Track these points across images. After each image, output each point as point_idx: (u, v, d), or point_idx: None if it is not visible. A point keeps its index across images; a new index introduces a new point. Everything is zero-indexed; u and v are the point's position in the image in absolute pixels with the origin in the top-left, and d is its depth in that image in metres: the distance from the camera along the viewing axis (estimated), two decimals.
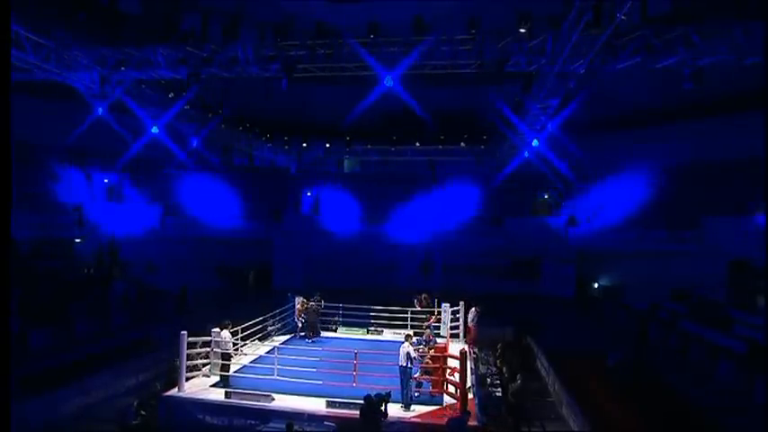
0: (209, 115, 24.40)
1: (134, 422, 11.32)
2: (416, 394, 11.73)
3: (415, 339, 12.61)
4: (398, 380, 11.30)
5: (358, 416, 9.84)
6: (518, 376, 13.73)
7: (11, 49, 14.15)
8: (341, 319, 18.45)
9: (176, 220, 29.40)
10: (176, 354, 11.95)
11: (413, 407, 11.05)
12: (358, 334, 17.95)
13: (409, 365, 11.19)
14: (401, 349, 11.36)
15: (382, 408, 9.84)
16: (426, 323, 15.68)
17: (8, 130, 5.45)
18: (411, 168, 32.35)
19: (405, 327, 17.72)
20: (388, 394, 10.27)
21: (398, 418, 10.52)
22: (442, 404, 11.55)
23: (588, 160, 25.41)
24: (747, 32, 12.54)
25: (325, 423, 10.55)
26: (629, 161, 27.54)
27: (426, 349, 12.95)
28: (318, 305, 17.35)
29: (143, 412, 11.43)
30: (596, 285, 28.76)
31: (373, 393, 10.22)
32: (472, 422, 10.09)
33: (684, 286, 22.69)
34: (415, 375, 11.75)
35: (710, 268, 21.93)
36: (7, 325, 5.49)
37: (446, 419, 10.21)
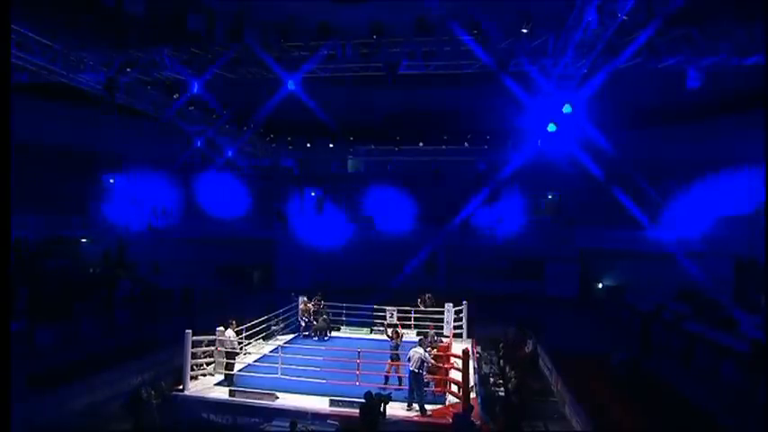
0: (214, 116, 24.52)
1: (155, 401, 11.46)
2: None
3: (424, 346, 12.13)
4: (401, 379, 11.32)
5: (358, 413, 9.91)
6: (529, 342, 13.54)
7: (18, 51, 14.34)
8: (345, 319, 18.53)
9: (180, 220, 29.54)
10: (181, 353, 12.04)
11: (415, 405, 11.08)
12: (361, 333, 18.02)
13: (422, 371, 11.09)
14: (414, 354, 11.11)
15: (381, 408, 9.89)
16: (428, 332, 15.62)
17: (8, 130, 5.52)
18: (415, 168, 32.37)
19: (408, 326, 17.81)
20: (389, 396, 10.32)
21: (401, 417, 10.58)
22: (444, 403, 11.59)
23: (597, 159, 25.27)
24: (749, 32, 12.53)
25: (329, 422, 10.63)
26: (631, 160, 27.45)
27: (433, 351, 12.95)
28: (318, 305, 17.45)
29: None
30: (600, 285, 28.71)
31: (375, 393, 10.29)
32: (475, 419, 10.13)
33: (689, 286, 22.64)
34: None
35: (716, 269, 21.85)
36: (7, 325, 5.56)
37: (450, 417, 10.27)
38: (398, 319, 17.79)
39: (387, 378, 12.19)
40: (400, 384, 11.99)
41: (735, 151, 22.85)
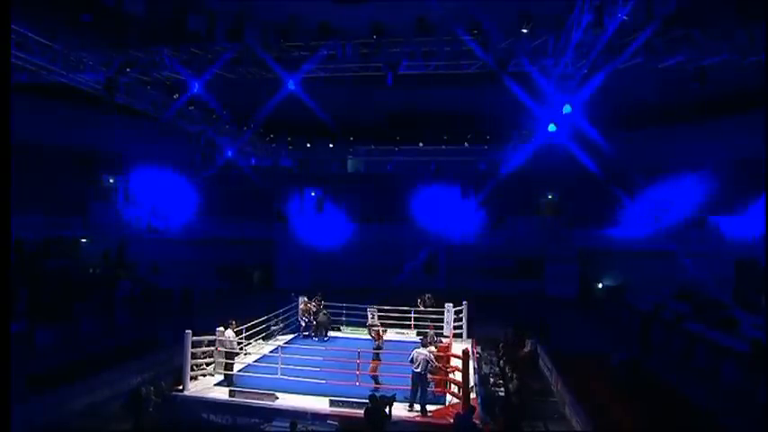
0: (214, 116, 24.53)
1: (154, 398, 11.42)
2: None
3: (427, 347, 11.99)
4: (401, 379, 11.28)
5: (362, 415, 9.88)
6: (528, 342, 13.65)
7: (17, 51, 14.34)
8: (345, 319, 18.51)
9: (180, 220, 29.53)
10: (181, 353, 12.04)
11: (416, 406, 11.07)
12: (362, 333, 17.97)
13: (426, 373, 11.04)
14: (417, 355, 11.03)
15: (386, 410, 9.86)
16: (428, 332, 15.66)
17: (8, 130, 5.52)
18: (415, 168, 32.38)
19: (408, 327, 17.81)
20: (393, 397, 10.29)
21: (401, 417, 10.57)
22: (444, 403, 11.59)
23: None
24: (749, 33, 12.56)
25: (329, 422, 10.62)
26: (631, 160, 27.47)
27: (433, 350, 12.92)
28: (317, 305, 17.43)
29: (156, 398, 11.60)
30: (600, 285, 28.72)
31: (377, 394, 10.27)
32: (475, 419, 10.13)
33: (689, 286, 22.67)
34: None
35: (716, 269, 21.87)
36: (7, 326, 5.55)
37: (452, 417, 10.27)
38: (394, 319, 17.83)
39: (375, 378, 12.20)
40: (378, 383, 11.98)
41: (735, 151, 22.90)
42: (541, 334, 18.10)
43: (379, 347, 12.58)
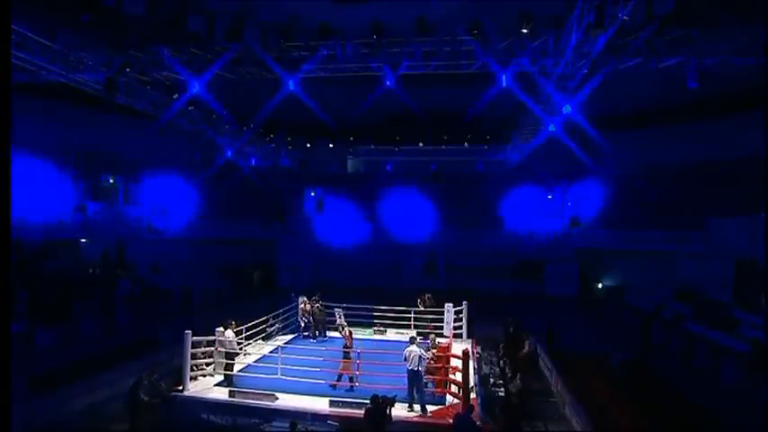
0: (214, 116, 24.50)
1: (144, 398, 11.32)
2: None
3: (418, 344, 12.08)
4: (401, 379, 11.30)
5: (362, 415, 9.88)
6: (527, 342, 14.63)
7: (17, 51, 14.32)
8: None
9: (179, 220, 29.53)
10: (181, 353, 12.03)
11: (415, 406, 11.06)
12: (362, 333, 17.96)
13: (421, 370, 11.10)
14: (409, 353, 11.11)
15: (388, 411, 9.86)
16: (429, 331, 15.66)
17: (8, 130, 5.52)
18: (414, 168, 32.40)
19: (408, 327, 17.80)
20: (395, 398, 10.31)
21: (401, 417, 10.57)
22: (444, 404, 11.59)
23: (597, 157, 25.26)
24: (749, 33, 12.56)
25: (329, 422, 10.62)
26: (632, 161, 27.47)
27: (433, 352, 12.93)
28: (316, 305, 17.40)
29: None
30: (600, 285, 28.73)
31: (377, 394, 10.27)
32: (475, 419, 10.13)
33: (689, 286, 22.65)
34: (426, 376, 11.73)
35: (716, 269, 21.84)
36: (7, 326, 5.55)
37: (452, 418, 10.27)
38: (394, 319, 17.87)
39: (340, 376, 12.33)
40: (351, 381, 12.20)
41: (734, 151, 22.87)
42: (547, 337, 18.09)
43: (347, 347, 12.63)
